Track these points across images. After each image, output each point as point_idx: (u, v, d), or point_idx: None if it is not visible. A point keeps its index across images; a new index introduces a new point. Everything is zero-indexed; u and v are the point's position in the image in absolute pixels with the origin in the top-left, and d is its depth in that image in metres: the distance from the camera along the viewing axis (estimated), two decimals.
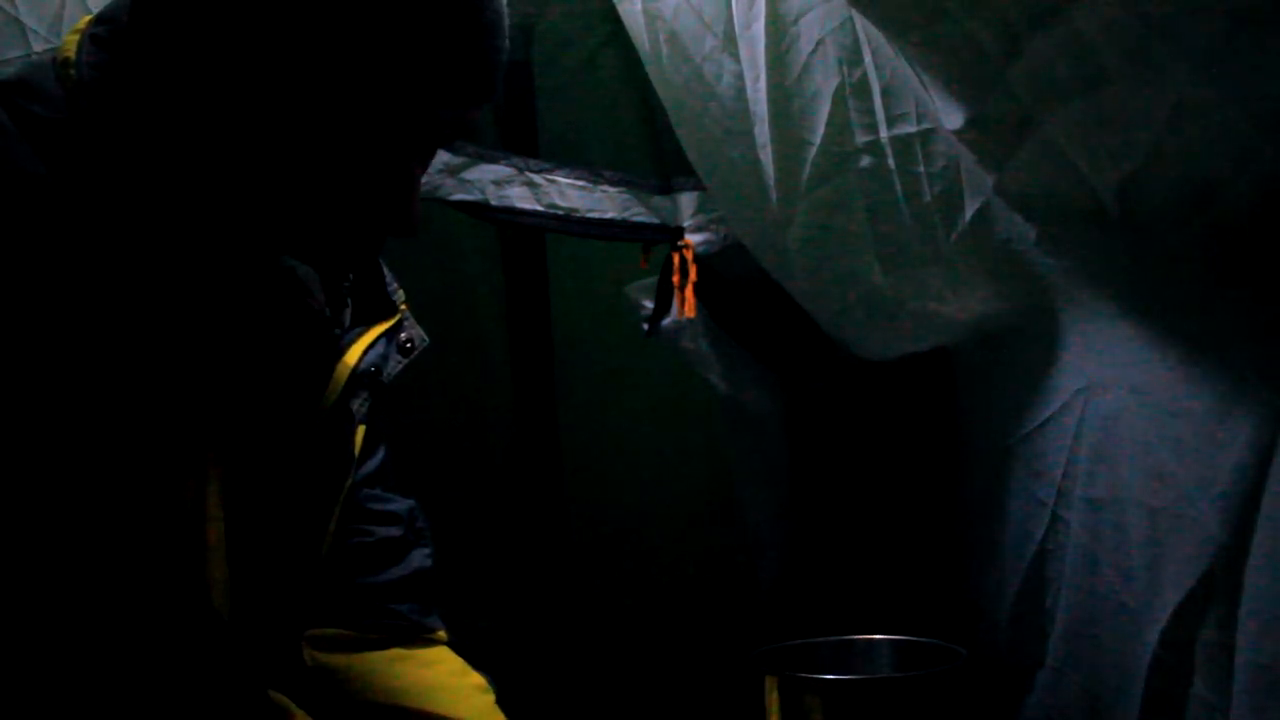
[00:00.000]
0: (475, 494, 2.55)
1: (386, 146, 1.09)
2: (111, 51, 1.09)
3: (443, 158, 2.09)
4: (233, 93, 1.05)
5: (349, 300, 1.30)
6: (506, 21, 1.12)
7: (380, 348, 1.30)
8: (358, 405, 1.30)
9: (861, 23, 1.61)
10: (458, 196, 2.10)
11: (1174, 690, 1.47)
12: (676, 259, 2.10)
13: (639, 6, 1.84)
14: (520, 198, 2.10)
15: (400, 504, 1.49)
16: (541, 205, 2.10)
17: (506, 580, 2.54)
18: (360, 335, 1.29)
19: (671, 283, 2.11)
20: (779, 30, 1.70)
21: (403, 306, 1.35)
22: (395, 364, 1.31)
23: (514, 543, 2.54)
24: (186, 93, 1.06)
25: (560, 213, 2.11)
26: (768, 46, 1.71)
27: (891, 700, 1.73)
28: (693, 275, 2.08)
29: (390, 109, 1.07)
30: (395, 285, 1.36)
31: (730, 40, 1.76)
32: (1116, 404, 1.57)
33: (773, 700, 1.80)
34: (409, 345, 1.32)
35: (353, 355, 1.28)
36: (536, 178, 2.10)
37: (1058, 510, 1.71)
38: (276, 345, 1.21)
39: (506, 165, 2.11)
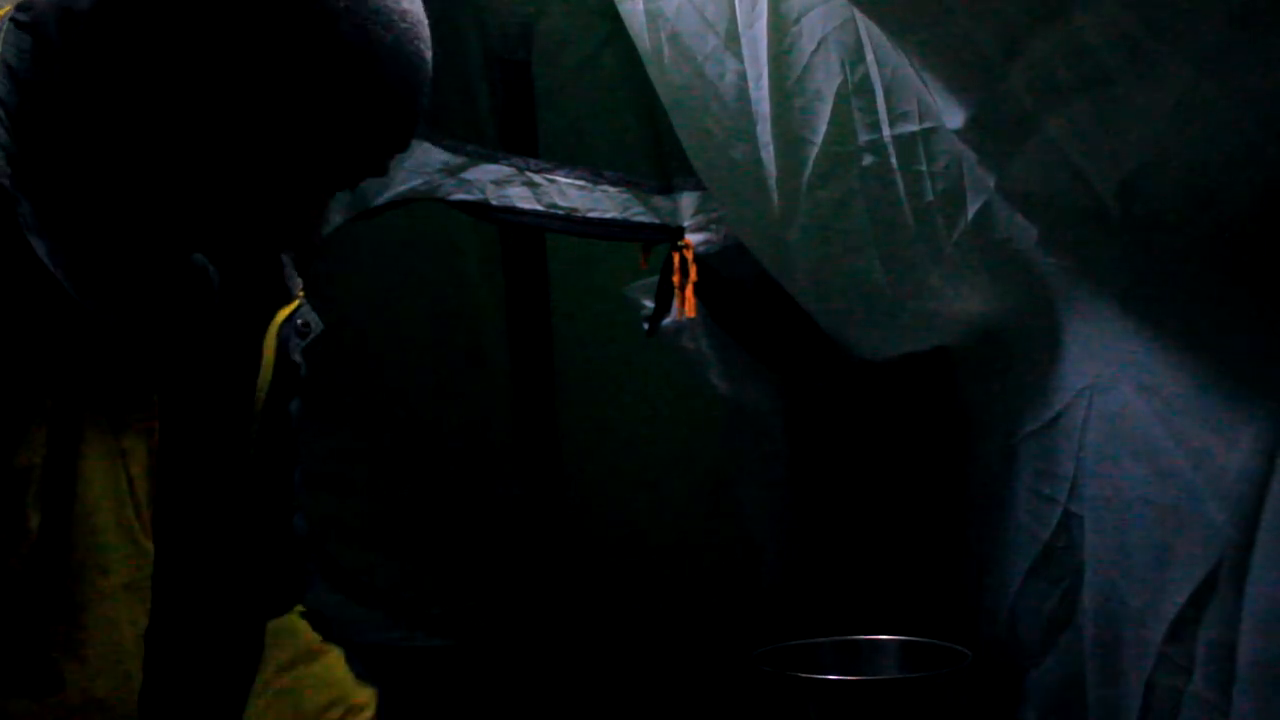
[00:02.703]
0: (475, 494, 2.55)
1: (294, 180, 1.14)
2: (36, 36, 1.11)
3: (442, 158, 2.09)
4: (156, 112, 1.09)
5: (253, 289, 1.34)
6: (423, 72, 1.15)
7: (284, 330, 1.34)
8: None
9: (863, 22, 1.62)
10: (458, 196, 2.10)
11: (1176, 688, 1.47)
12: (677, 259, 2.10)
13: (640, 6, 1.84)
14: (520, 198, 2.10)
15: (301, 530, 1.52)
16: (542, 205, 2.10)
17: (507, 580, 2.54)
18: (270, 320, 1.34)
19: (671, 283, 2.11)
20: (781, 29, 1.70)
21: (300, 294, 1.38)
22: (295, 346, 1.35)
23: (514, 542, 2.54)
24: (119, 108, 1.09)
25: (560, 213, 2.11)
26: (770, 45, 1.72)
27: (894, 702, 1.71)
28: (693, 275, 2.08)
29: (302, 152, 1.12)
30: (293, 273, 1.40)
31: (732, 39, 1.76)
32: (1121, 402, 1.57)
33: (772, 701, 1.79)
34: (305, 329, 1.36)
35: (269, 340, 1.32)
36: (536, 178, 2.10)
37: (1062, 509, 1.71)
38: (192, 331, 1.24)
39: (506, 165, 2.11)
